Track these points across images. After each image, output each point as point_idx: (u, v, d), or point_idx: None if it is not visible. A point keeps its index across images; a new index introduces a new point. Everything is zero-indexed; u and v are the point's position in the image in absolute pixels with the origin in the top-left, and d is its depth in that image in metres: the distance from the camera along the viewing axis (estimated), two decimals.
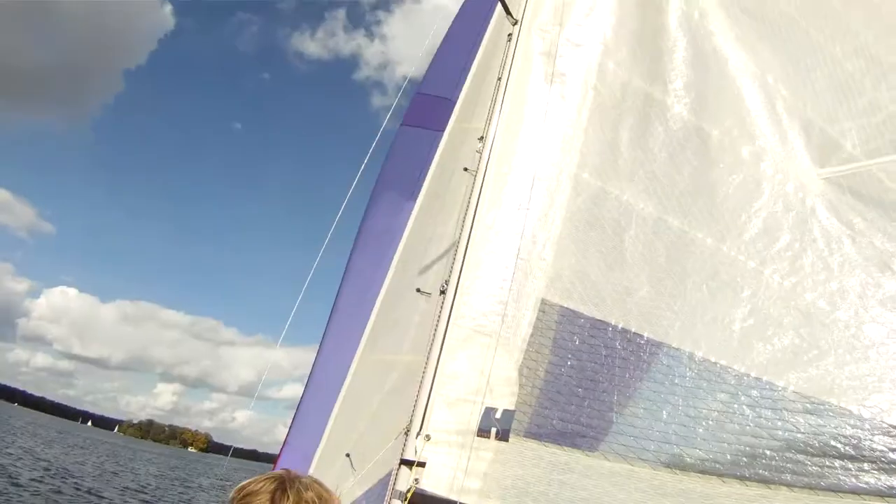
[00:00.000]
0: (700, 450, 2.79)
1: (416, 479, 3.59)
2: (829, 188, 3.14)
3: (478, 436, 3.39)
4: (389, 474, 3.96)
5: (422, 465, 3.60)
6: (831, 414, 2.71)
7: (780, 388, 2.78)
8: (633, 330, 3.11)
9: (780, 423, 2.73)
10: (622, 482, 2.91)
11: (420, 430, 3.68)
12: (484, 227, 3.91)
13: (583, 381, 3.16)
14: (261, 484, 1.74)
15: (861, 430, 2.67)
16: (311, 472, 5.07)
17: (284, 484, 1.74)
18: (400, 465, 3.72)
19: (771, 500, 2.61)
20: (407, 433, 3.78)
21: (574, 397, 3.14)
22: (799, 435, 2.69)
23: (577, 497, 2.96)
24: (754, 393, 2.82)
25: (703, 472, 2.76)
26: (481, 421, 3.40)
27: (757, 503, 2.64)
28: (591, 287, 3.32)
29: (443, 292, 3.92)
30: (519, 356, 3.39)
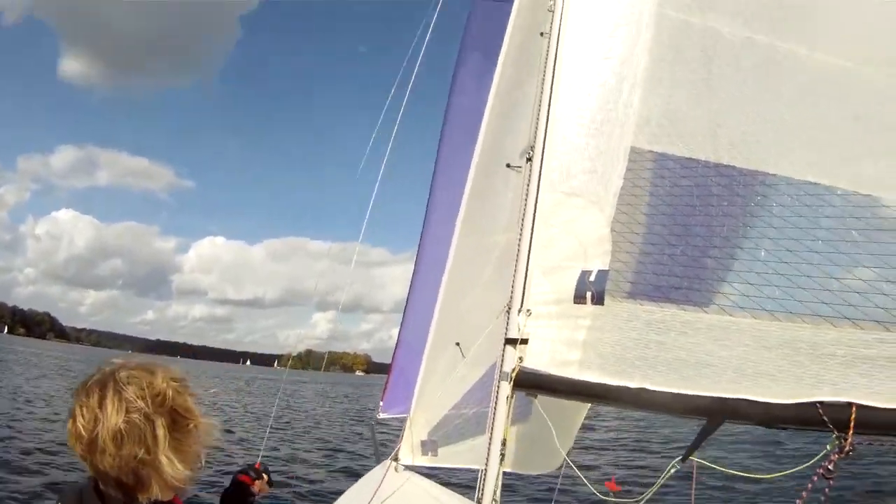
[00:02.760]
0: (807, 290, 2.36)
1: (520, 358, 3.43)
2: None
3: (574, 302, 3.14)
4: None
5: (525, 342, 3.43)
6: None
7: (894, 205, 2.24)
8: (725, 162, 2.66)
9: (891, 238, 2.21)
10: (721, 336, 2.53)
11: (521, 305, 3.49)
12: (566, 86, 3.56)
13: (675, 228, 2.76)
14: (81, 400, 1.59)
15: None
16: (422, 365, 5.08)
17: (98, 389, 1.59)
18: (505, 344, 3.57)
19: (893, 344, 2.14)
20: (508, 311, 3.61)
21: (667, 247, 2.77)
22: None
23: (674, 358, 2.61)
24: (864, 213, 2.31)
25: (811, 316, 2.35)
26: (577, 286, 3.14)
27: (874, 349, 2.16)
28: (679, 126, 2.87)
29: (529, 159, 3.64)
30: (611, 212, 3.06)
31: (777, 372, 2.33)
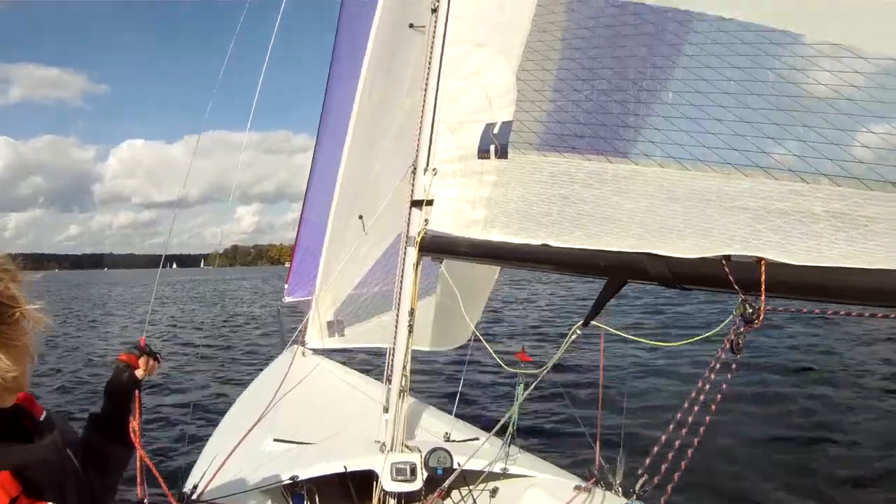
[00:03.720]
0: (717, 135, 2.13)
1: (425, 221, 3.31)
2: None
3: (478, 157, 2.99)
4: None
5: (430, 203, 3.30)
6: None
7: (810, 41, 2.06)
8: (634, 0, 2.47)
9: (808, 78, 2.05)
10: (626, 188, 2.38)
11: (427, 164, 3.34)
12: None
13: (580, 73, 2.59)
14: None
15: None
16: (325, 242, 4.96)
17: None
18: (410, 207, 3.44)
19: (809, 196, 2.00)
20: (414, 171, 3.46)
21: (572, 93, 2.62)
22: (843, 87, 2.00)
23: (578, 213, 2.48)
24: (782, 52, 2.12)
25: (721, 164, 2.22)
26: (481, 140, 2.98)
27: (789, 201, 1.96)
28: None
29: (434, 10, 3.40)
30: (517, 61, 2.87)
31: (684, 226, 2.20)
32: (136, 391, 2.20)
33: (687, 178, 2.25)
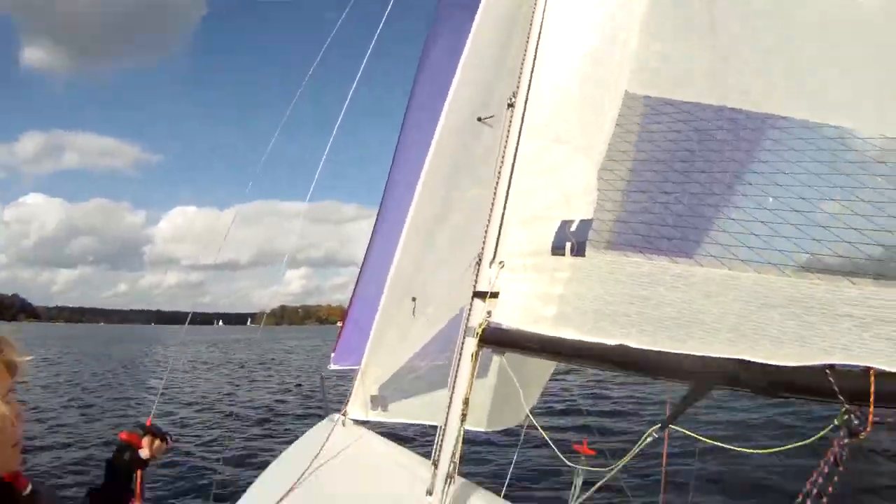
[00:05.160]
0: (821, 241, 2.07)
1: (488, 312, 3.23)
2: None
3: (552, 254, 2.93)
4: (459, 314, 3.62)
5: (495, 295, 3.22)
6: None
7: None
8: (730, 106, 2.45)
9: None
10: (717, 292, 2.26)
11: (494, 256, 3.29)
12: (554, 32, 3.36)
13: (669, 175, 2.55)
14: None
15: None
16: (377, 316, 4.90)
17: None
18: (473, 297, 3.37)
19: None
20: (479, 263, 3.40)
21: (660, 195, 2.56)
22: None
23: (661, 315, 2.37)
24: (891, 157, 2.09)
25: (823, 271, 2.09)
26: (556, 236, 2.93)
27: None
28: (678, 69, 2.66)
29: (511, 105, 3.43)
30: (599, 159, 2.84)
31: (780, 334, 2.05)
32: (139, 471, 2.09)
33: (786, 285, 2.14)
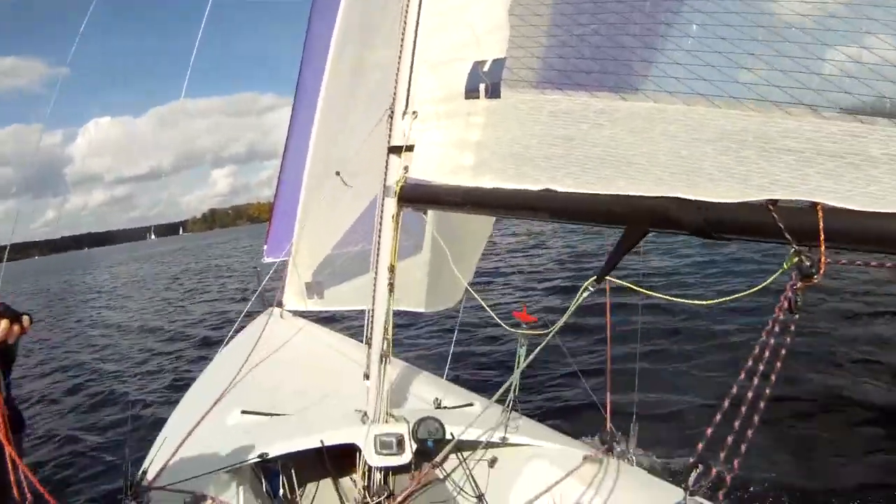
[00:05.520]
0: (753, 70, 1.86)
1: (405, 168, 3.00)
2: None
3: (465, 98, 2.67)
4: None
5: (410, 149, 2.98)
6: None
7: None
8: None
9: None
10: (645, 127, 2.07)
11: (406, 107, 3.02)
12: None
13: (585, 6, 2.25)
14: None
15: None
16: (301, 200, 4.70)
17: None
18: (388, 154, 3.12)
19: (865, 138, 1.70)
20: (391, 115, 3.13)
21: (576, 26, 2.26)
22: None
23: (586, 156, 2.19)
24: None
25: (759, 101, 1.93)
26: (468, 79, 2.67)
27: (841, 144, 1.67)
28: None
29: None
30: None
31: (716, 170, 1.88)
32: None
33: (718, 117, 1.94)
